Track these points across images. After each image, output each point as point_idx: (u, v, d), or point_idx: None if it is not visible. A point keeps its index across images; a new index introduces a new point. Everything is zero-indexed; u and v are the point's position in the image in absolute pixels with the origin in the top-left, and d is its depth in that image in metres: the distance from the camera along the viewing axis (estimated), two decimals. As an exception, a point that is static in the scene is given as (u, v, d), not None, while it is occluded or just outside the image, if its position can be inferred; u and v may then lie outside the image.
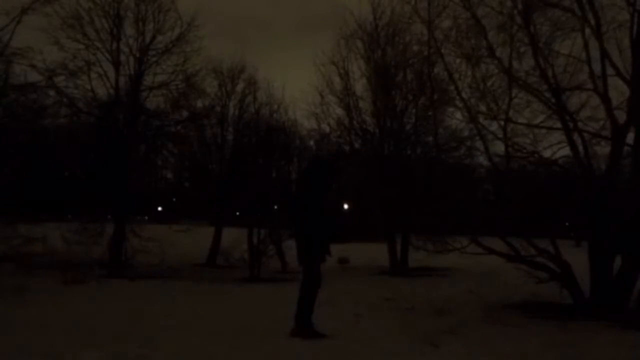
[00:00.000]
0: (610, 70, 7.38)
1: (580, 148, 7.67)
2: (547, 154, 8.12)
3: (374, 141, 15.13)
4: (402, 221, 11.98)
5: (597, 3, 7.29)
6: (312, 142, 16.48)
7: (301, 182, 6.43)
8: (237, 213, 17.37)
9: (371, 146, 15.13)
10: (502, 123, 7.97)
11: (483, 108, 8.29)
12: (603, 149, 7.94)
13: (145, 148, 13.79)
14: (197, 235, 14.97)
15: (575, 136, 7.68)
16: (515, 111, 8.03)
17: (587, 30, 7.41)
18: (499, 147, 8.41)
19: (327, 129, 15.50)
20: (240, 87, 16.81)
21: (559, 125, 7.79)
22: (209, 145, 16.49)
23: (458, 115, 9.53)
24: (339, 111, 15.38)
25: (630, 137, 7.50)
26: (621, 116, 7.50)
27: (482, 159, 9.18)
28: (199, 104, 14.77)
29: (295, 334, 5.49)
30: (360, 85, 15.38)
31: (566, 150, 7.90)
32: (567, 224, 14.27)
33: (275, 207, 13.70)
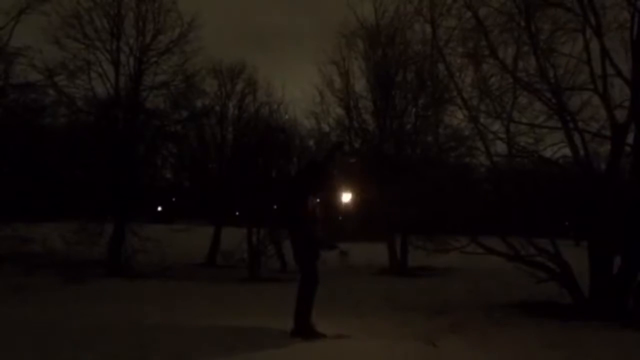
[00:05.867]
0: (610, 70, 7.38)
1: (581, 148, 7.68)
2: (547, 153, 8.14)
3: (374, 141, 15.12)
4: (402, 221, 11.96)
5: (597, 3, 7.29)
6: (312, 142, 16.45)
7: (296, 182, 6.42)
8: (237, 213, 17.34)
9: (371, 146, 15.12)
10: (506, 122, 7.98)
11: (483, 107, 8.30)
12: (603, 149, 7.95)
13: (145, 148, 13.77)
14: (197, 235, 14.94)
15: (576, 136, 7.68)
16: (516, 111, 8.04)
17: (588, 30, 7.42)
18: (500, 147, 8.42)
19: (327, 129, 15.53)
20: (240, 87, 16.84)
21: (559, 125, 7.80)
22: (209, 144, 16.48)
23: (458, 114, 9.53)
24: (339, 111, 15.41)
25: (630, 137, 7.51)
26: (621, 116, 7.50)
27: (482, 159, 9.17)
28: (199, 103, 14.80)
29: (295, 333, 5.49)
30: (360, 85, 15.41)
31: (566, 150, 7.92)
32: (567, 224, 14.28)
33: (275, 206, 13.68)
